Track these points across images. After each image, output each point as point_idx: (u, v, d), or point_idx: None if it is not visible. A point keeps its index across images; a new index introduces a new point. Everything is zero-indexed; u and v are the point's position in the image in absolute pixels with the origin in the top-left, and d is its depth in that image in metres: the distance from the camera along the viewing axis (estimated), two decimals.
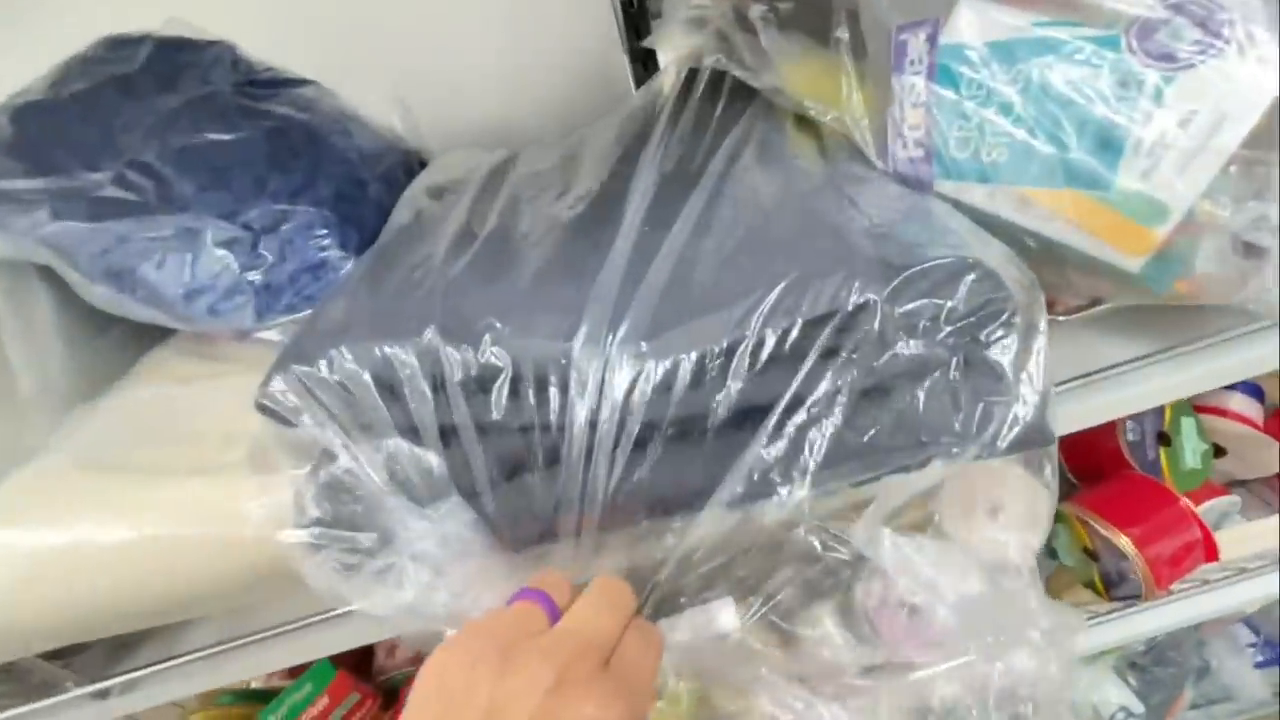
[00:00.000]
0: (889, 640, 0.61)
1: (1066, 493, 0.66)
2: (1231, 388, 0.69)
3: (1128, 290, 0.31)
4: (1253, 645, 0.96)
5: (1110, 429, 0.65)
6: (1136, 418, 0.65)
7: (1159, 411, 0.65)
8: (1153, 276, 0.28)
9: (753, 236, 0.31)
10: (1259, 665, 0.94)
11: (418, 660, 0.77)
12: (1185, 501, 0.59)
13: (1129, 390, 0.41)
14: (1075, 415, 0.43)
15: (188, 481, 0.32)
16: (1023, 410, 0.29)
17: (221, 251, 0.35)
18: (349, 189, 0.39)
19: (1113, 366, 0.40)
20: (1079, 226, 0.28)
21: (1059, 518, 0.63)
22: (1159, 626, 0.66)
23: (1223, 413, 0.68)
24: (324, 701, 0.68)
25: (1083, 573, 0.65)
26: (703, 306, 0.28)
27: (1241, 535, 0.65)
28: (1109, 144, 0.27)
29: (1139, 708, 0.85)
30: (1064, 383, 0.41)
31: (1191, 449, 0.65)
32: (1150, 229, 0.26)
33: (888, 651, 0.62)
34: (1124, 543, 0.58)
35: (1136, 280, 0.29)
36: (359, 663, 0.80)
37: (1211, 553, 0.58)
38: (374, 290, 0.33)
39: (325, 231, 0.37)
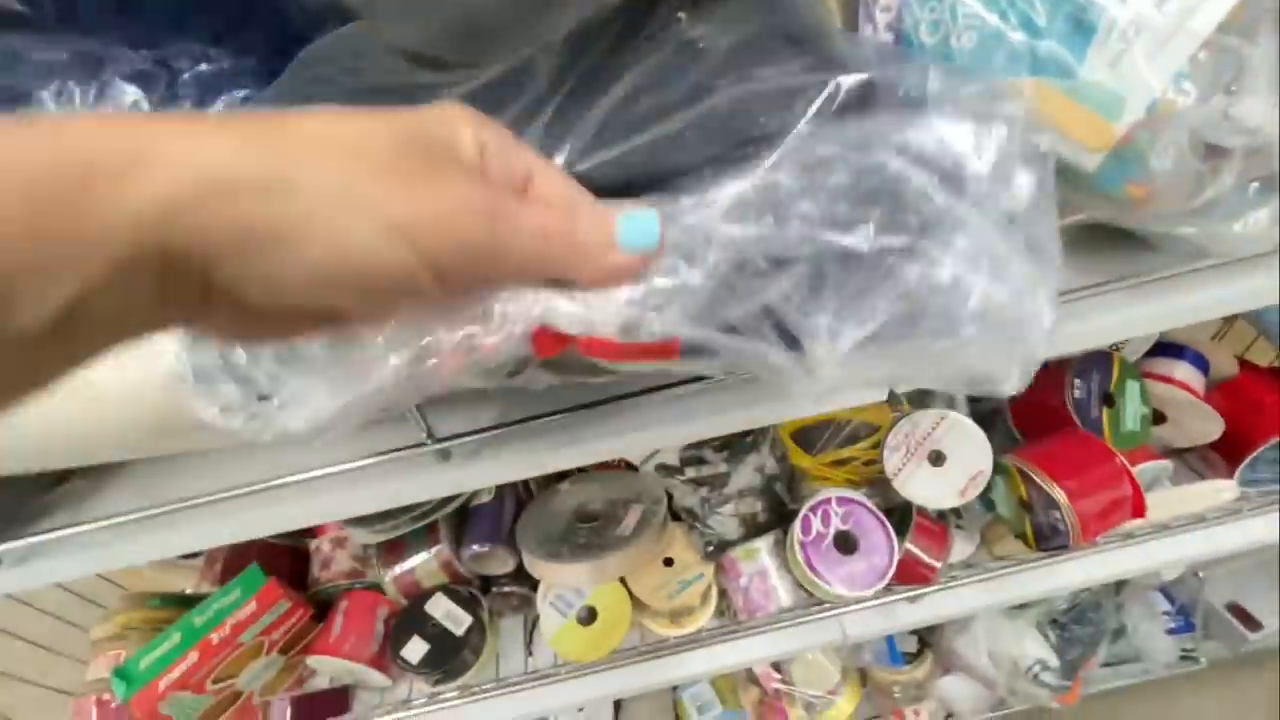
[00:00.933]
0: (819, 573, 0.62)
1: (1009, 446, 0.67)
2: (1179, 356, 0.71)
3: (1086, 198, 0.30)
4: (1167, 613, 1.01)
5: (1057, 385, 0.66)
6: (1084, 375, 0.66)
7: (1106, 371, 0.66)
8: (1108, 176, 0.27)
9: None
10: (1170, 632, 0.99)
11: (352, 574, 0.77)
12: (1121, 459, 0.60)
13: (1086, 323, 0.40)
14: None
15: None
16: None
17: (131, 87, 0.32)
18: (282, 42, 0.35)
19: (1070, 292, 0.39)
20: (1040, 119, 0.27)
21: (999, 469, 0.64)
22: (1083, 579, 0.69)
23: (1168, 380, 0.69)
24: (251, 607, 0.67)
25: (1016, 524, 0.67)
26: None
27: (1171, 498, 0.67)
28: (1082, 26, 0.25)
29: (1055, 662, 0.89)
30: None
31: (1133, 412, 0.66)
32: (1110, 121, 0.25)
33: (814, 585, 0.63)
34: (1058, 493, 0.59)
35: (1093, 183, 0.28)
36: (293, 576, 0.79)
37: (1139, 509, 0.60)
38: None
39: (252, 82, 0.34)
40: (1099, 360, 0.66)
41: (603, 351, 0.25)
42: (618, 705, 1.01)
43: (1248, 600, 0.99)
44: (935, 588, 0.66)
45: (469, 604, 0.71)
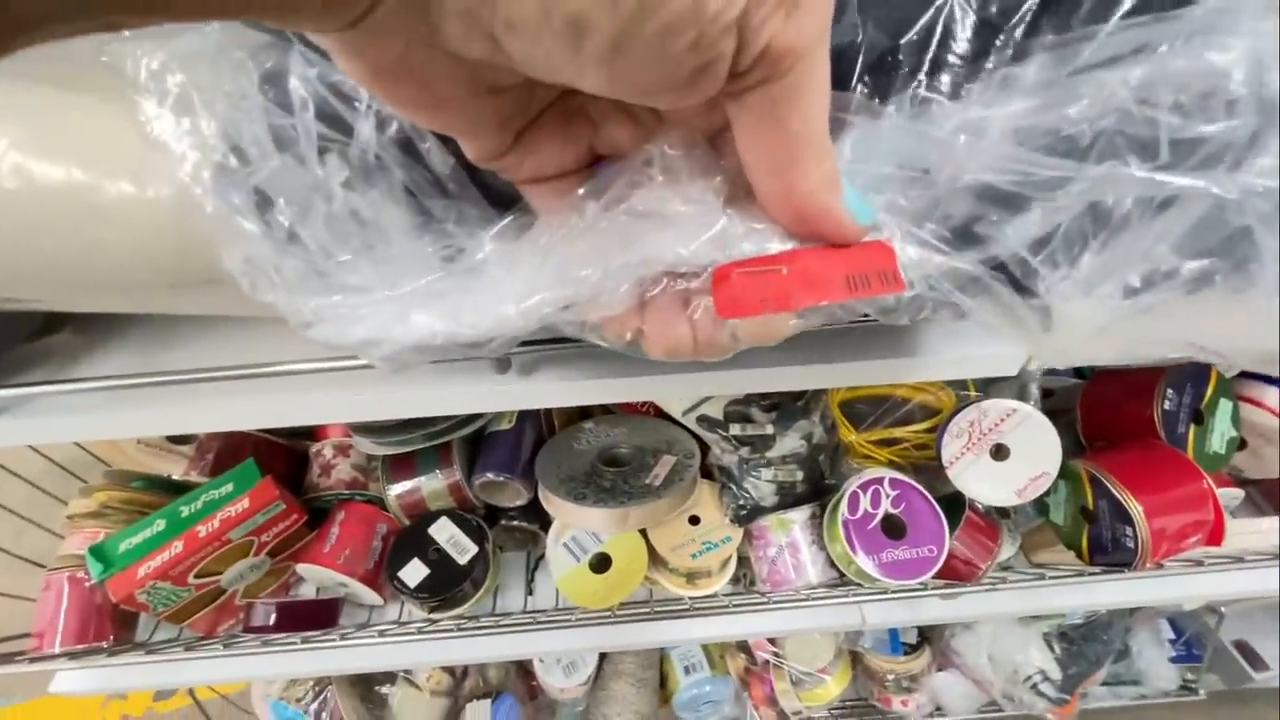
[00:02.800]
0: (860, 555, 0.58)
1: (1075, 452, 0.62)
2: (1273, 382, 0.65)
3: None
4: (1172, 641, 0.98)
5: (1148, 395, 0.60)
6: (1178, 387, 0.60)
7: (1202, 386, 0.61)
8: None
9: None
10: (1173, 660, 0.97)
11: (353, 484, 0.72)
12: (1208, 481, 0.55)
13: None
14: None
15: (99, 110, 0.22)
16: None
17: None
18: None
19: None
20: None
21: (1064, 473, 0.59)
22: (1124, 599, 0.65)
23: (1259, 404, 0.63)
24: (244, 503, 0.62)
25: (1070, 533, 0.62)
26: None
27: (1240, 529, 0.63)
28: None
29: (1057, 674, 0.86)
30: None
31: (1221, 433, 0.61)
32: None
33: (852, 567, 0.59)
34: (1135, 507, 0.54)
35: None
36: (289, 478, 0.74)
37: (1217, 537, 0.55)
38: None
39: None
40: (1196, 373, 0.61)
41: (810, 283, 0.19)
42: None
43: (1255, 639, 0.96)
44: (973, 588, 0.61)
45: (476, 533, 0.67)
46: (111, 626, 0.64)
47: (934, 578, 0.62)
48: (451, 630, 0.65)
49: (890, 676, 0.93)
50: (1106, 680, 0.97)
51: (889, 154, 0.23)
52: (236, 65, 0.20)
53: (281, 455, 0.75)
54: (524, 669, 0.99)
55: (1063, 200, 0.21)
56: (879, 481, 0.60)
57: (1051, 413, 0.73)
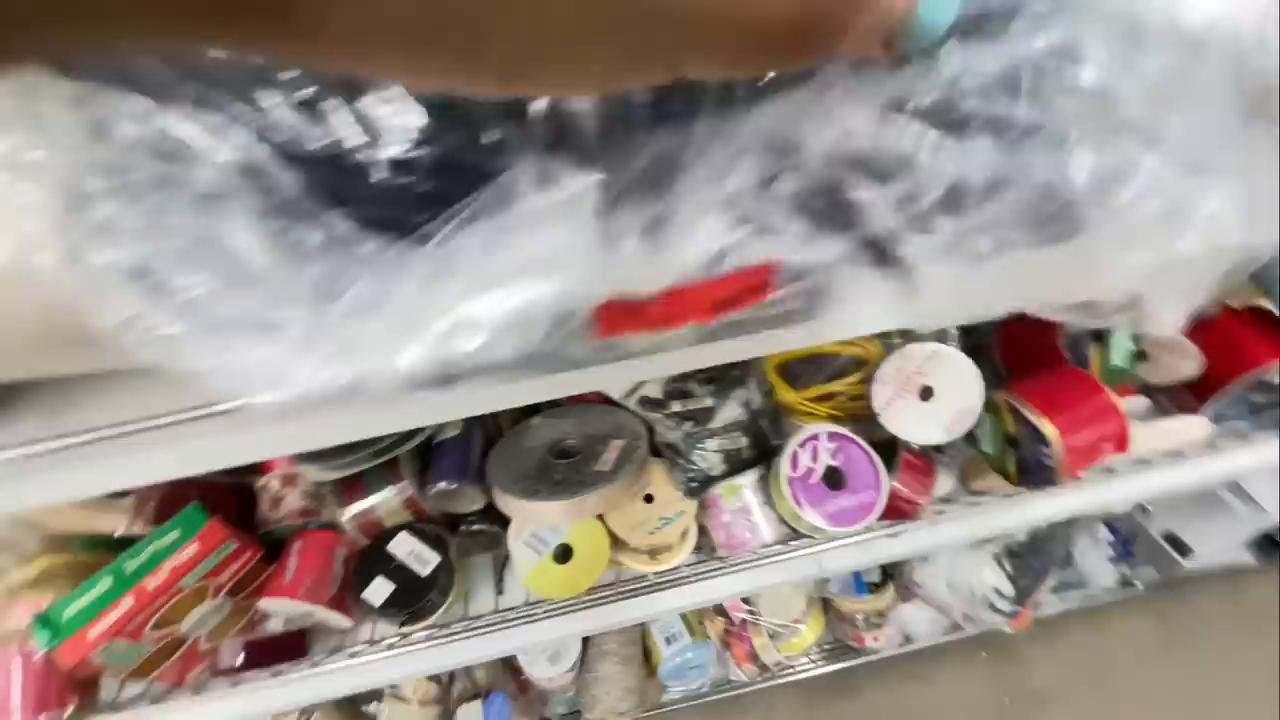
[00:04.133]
0: (806, 510, 0.60)
1: (994, 383, 0.66)
2: None
3: None
4: (1110, 542, 1.06)
5: (1052, 323, 0.64)
6: None
7: None
8: None
9: None
10: (1112, 559, 1.04)
11: (305, 513, 0.71)
12: (1110, 395, 0.59)
13: None
14: None
15: None
16: None
17: None
18: None
19: None
20: None
21: (987, 405, 0.63)
22: (1055, 512, 0.70)
23: None
24: (193, 549, 0.61)
25: (999, 459, 0.66)
26: None
27: (1149, 434, 0.68)
28: None
29: (1009, 590, 0.92)
30: None
31: (1122, 349, 0.65)
32: None
33: (801, 522, 0.61)
34: (1049, 429, 0.58)
35: None
36: (239, 515, 0.72)
37: (1123, 444, 0.60)
38: None
39: None
40: None
41: (682, 310, 0.20)
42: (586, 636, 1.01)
43: (1182, 530, 1.05)
44: (915, 524, 0.65)
45: (436, 543, 0.67)
46: (72, 692, 0.63)
47: (879, 519, 0.65)
48: (424, 641, 0.66)
49: (859, 615, 0.98)
50: (1054, 587, 1.04)
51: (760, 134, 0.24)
52: (62, 118, 0.19)
53: (227, 493, 0.73)
54: (511, 665, 1.01)
55: (920, 174, 0.23)
56: (816, 437, 0.63)
57: (976, 348, 0.77)
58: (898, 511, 0.66)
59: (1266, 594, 1.19)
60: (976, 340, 0.75)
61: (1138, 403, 0.69)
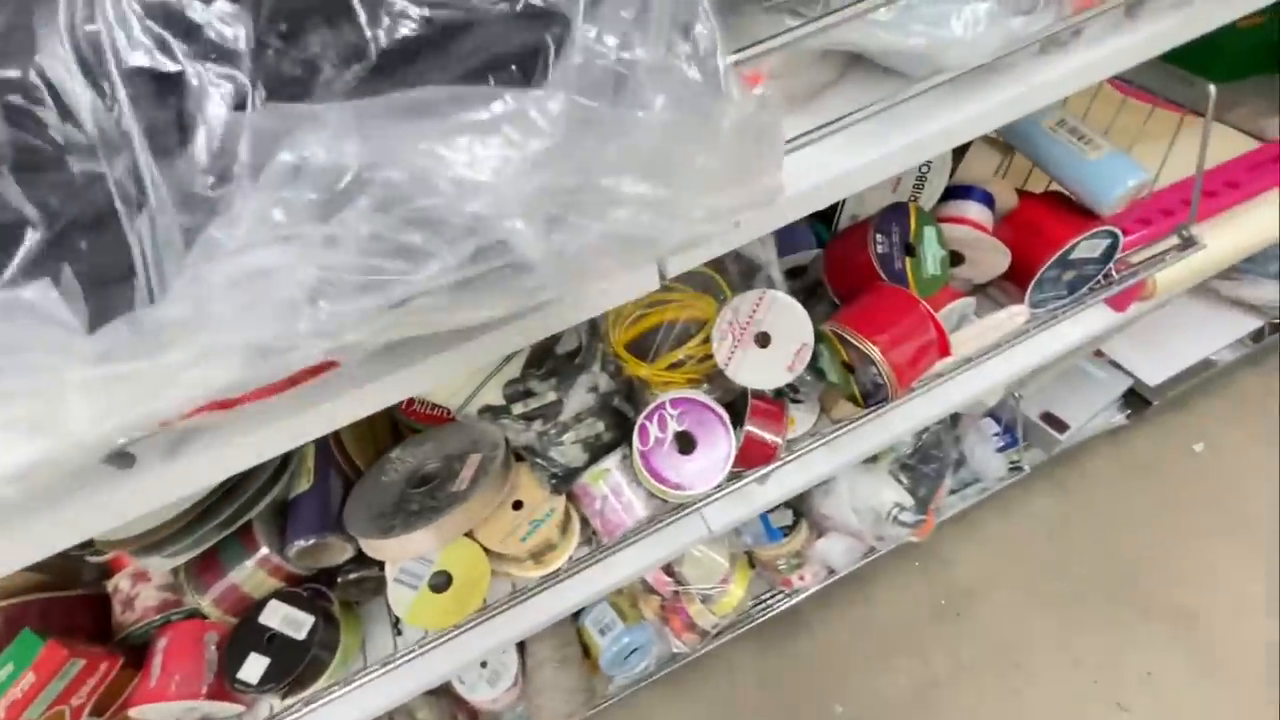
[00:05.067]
0: (664, 478, 0.61)
1: (827, 315, 0.67)
2: (968, 197, 0.73)
3: None
4: (996, 434, 1.12)
5: (861, 243, 0.66)
6: (884, 229, 0.66)
7: (905, 222, 0.67)
8: None
9: None
10: (999, 450, 1.10)
11: (164, 606, 0.67)
12: (924, 305, 0.62)
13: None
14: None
15: None
16: None
17: None
18: None
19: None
20: None
21: (820, 338, 0.65)
22: (908, 425, 0.72)
23: (961, 220, 0.71)
24: (30, 678, 0.56)
25: (844, 386, 0.68)
26: None
27: (973, 332, 0.71)
28: None
29: (909, 501, 0.96)
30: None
31: (933, 256, 0.68)
32: None
33: (662, 492, 0.62)
34: (872, 350, 0.60)
35: None
36: (96, 624, 0.67)
37: (945, 349, 0.62)
38: None
39: None
40: (897, 212, 0.67)
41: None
42: (521, 645, 0.99)
43: (1056, 407, 1.12)
44: (778, 464, 0.66)
45: (309, 603, 0.64)
46: None
47: (744, 466, 0.66)
48: (325, 699, 0.63)
49: (781, 560, 1.01)
50: (952, 489, 1.10)
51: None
52: None
53: (76, 606, 0.68)
54: (453, 696, 0.98)
55: None
56: (661, 407, 0.63)
57: (814, 285, 0.79)
58: (760, 455, 0.67)
59: (1144, 445, 1.29)
60: (811, 278, 0.77)
61: (963, 303, 0.72)
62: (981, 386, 0.76)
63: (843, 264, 0.69)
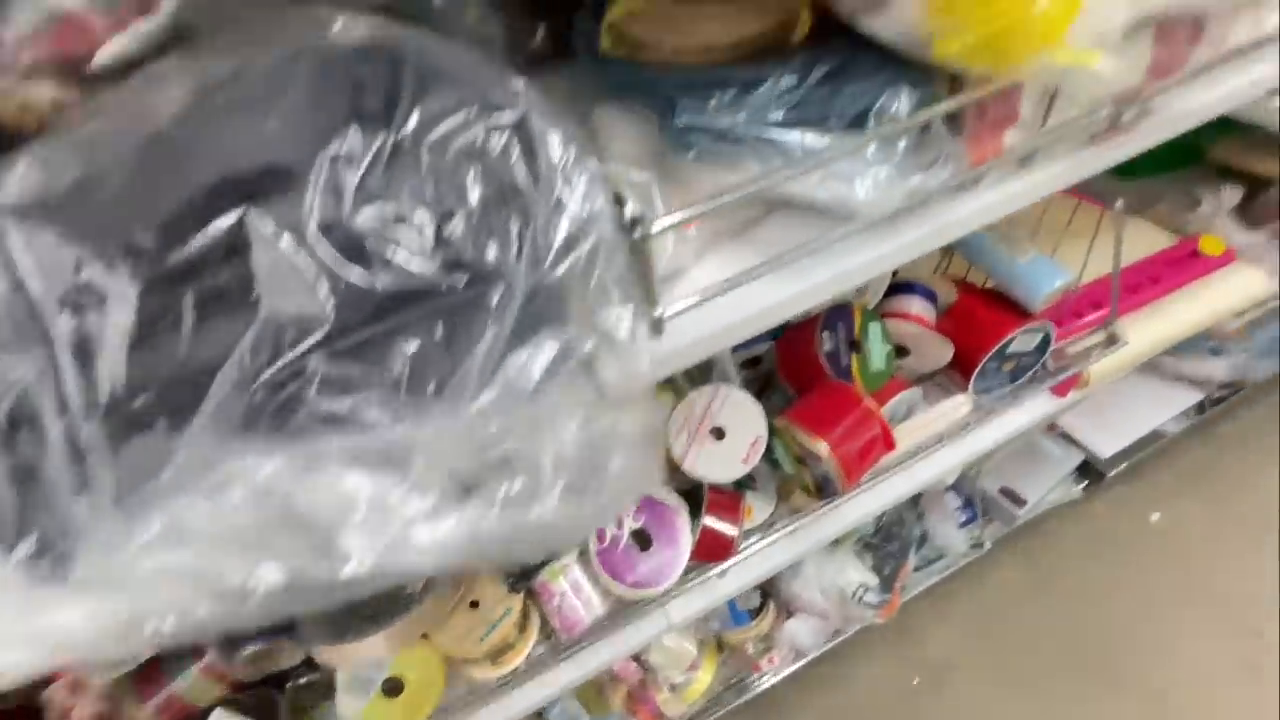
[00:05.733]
0: (621, 578, 0.61)
1: (781, 407, 0.70)
2: (911, 293, 0.78)
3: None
4: (958, 508, 1.14)
5: (809, 340, 0.69)
6: (830, 327, 0.70)
7: (849, 320, 0.71)
8: None
9: None
10: (962, 525, 1.12)
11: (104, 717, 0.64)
12: (868, 402, 0.64)
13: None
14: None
15: None
16: None
17: None
18: None
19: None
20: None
21: (774, 431, 0.67)
22: (859, 516, 0.74)
23: (904, 316, 0.75)
24: None
25: (800, 478, 0.70)
26: None
27: (919, 424, 0.74)
28: None
29: (874, 581, 0.97)
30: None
31: (878, 352, 0.71)
32: None
33: (618, 586, 0.62)
34: (821, 447, 0.62)
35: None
36: None
37: (890, 444, 0.65)
38: None
39: None
40: (842, 310, 0.71)
41: None
42: None
43: (1013, 482, 1.15)
44: (735, 561, 0.67)
45: (258, 711, 0.62)
46: None
47: (702, 558, 0.67)
48: None
49: (749, 644, 1.00)
50: (917, 565, 1.11)
51: None
52: None
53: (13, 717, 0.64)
54: None
55: None
56: None
57: (769, 374, 0.82)
58: (717, 546, 0.67)
59: (1104, 515, 1.32)
60: (765, 368, 0.80)
61: (910, 395, 0.75)
62: (934, 473, 0.78)
63: (793, 359, 0.72)
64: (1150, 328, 0.81)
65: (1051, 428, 1.22)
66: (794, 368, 0.72)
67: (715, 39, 0.40)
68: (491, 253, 0.26)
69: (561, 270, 0.26)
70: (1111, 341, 0.73)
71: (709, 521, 0.67)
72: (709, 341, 0.40)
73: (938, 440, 0.74)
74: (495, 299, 0.25)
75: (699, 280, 0.41)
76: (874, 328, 0.71)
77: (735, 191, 0.33)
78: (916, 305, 0.77)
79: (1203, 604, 1.22)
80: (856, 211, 0.37)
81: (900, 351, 0.76)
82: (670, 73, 0.41)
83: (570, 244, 0.27)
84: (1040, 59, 0.33)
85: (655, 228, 0.31)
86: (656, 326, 0.38)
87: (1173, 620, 1.20)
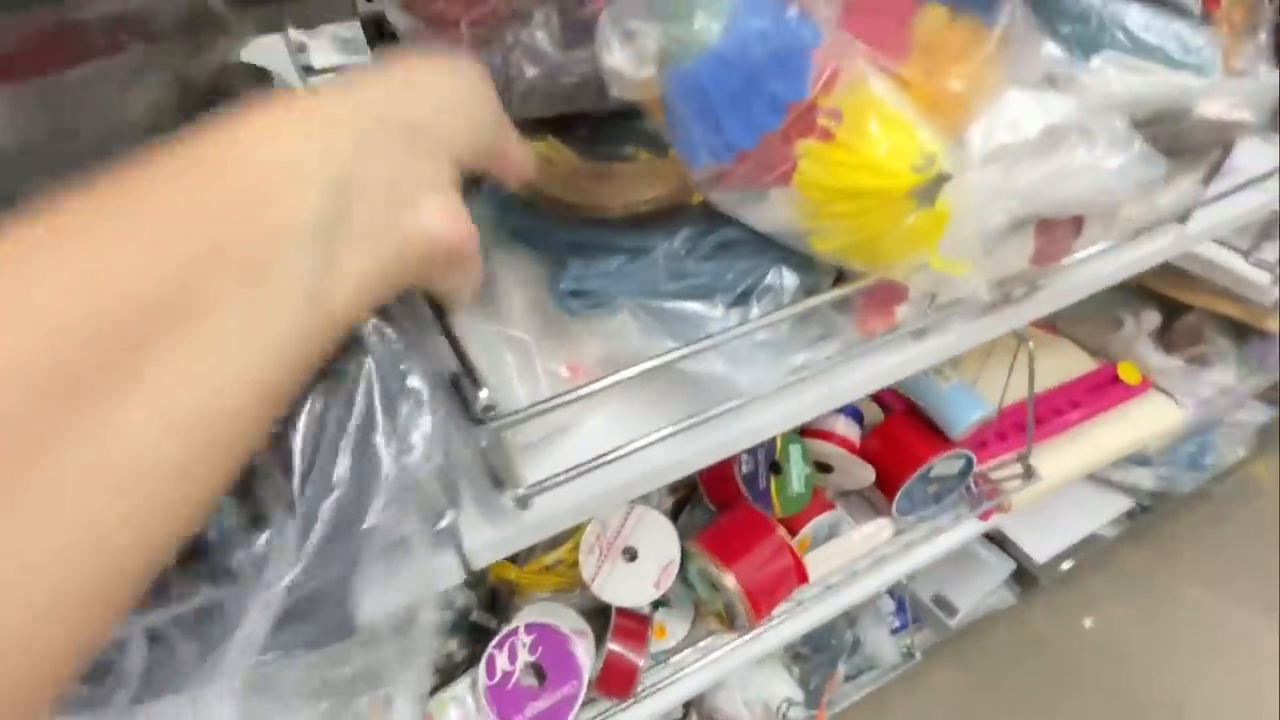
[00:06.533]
0: (507, 715, 0.57)
1: (705, 524, 0.68)
2: (837, 411, 0.77)
3: None
4: (892, 612, 1.12)
5: (728, 463, 0.68)
6: (750, 450, 0.69)
7: (770, 442, 0.70)
8: None
9: None
10: (895, 631, 1.10)
11: None
12: (781, 532, 0.63)
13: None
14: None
15: None
16: None
17: None
18: None
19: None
20: None
21: (689, 555, 0.65)
22: (781, 638, 0.72)
23: (829, 436, 0.75)
24: None
25: (712, 604, 0.68)
26: None
27: (838, 549, 0.73)
28: None
29: (800, 695, 0.94)
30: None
31: (798, 475, 0.70)
32: None
33: None
34: (729, 579, 0.60)
35: None
36: None
37: (802, 577, 0.63)
38: None
39: None
40: None
41: None
42: None
43: (946, 588, 1.14)
44: (636, 699, 0.64)
45: None
46: None
47: (605, 685, 0.63)
48: None
49: None
50: (848, 674, 1.07)
51: None
52: None
53: None
54: None
55: None
56: (513, 634, 0.60)
57: (692, 488, 0.80)
58: (622, 673, 0.64)
59: (1039, 620, 1.32)
60: (691, 483, 0.79)
61: (833, 516, 0.74)
62: (857, 596, 0.76)
63: (713, 477, 0.71)
64: (1069, 455, 0.82)
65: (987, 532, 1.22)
66: (714, 485, 0.71)
67: (611, 201, 0.40)
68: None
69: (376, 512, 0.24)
70: (1028, 474, 0.74)
71: (614, 647, 0.64)
72: (584, 507, 0.39)
73: (860, 562, 0.73)
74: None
75: (592, 433, 0.40)
76: (795, 450, 0.71)
77: (601, 380, 0.32)
78: (841, 425, 0.77)
79: (1127, 713, 1.21)
80: (739, 390, 0.37)
81: (825, 468, 0.76)
82: (564, 227, 0.40)
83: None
84: (912, 264, 0.33)
85: (505, 422, 0.29)
86: (523, 503, 0.36)
87: None
